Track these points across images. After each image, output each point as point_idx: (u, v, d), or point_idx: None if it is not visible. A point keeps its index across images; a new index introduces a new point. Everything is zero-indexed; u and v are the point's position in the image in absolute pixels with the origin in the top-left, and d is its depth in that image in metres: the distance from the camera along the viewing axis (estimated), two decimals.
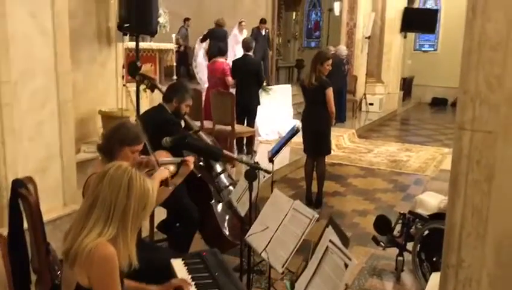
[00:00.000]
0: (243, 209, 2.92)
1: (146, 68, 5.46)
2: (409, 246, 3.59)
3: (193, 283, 2.14)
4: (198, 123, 5.94)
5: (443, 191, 3.63)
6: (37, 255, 2.17)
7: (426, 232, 3.41)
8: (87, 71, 4.76)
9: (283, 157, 6.47)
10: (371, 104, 11.60)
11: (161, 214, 3.55)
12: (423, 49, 15.57)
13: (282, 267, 2.23)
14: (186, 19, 11.61)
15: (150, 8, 4.55)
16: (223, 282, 2.16)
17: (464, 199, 1.51)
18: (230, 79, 6.80)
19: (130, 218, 1.70)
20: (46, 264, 2.18)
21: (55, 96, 3.50)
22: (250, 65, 6.72)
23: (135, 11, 4.43)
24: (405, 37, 12.81)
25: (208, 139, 3.91)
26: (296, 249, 2.21)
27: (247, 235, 2.57)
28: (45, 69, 3.41)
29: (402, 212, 3.74)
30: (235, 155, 5.96)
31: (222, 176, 3.80)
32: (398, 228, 3.75)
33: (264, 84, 7.66)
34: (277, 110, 8.11)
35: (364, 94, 11.55)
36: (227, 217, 3.62)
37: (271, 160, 3.63)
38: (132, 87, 4.98)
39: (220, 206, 3.62)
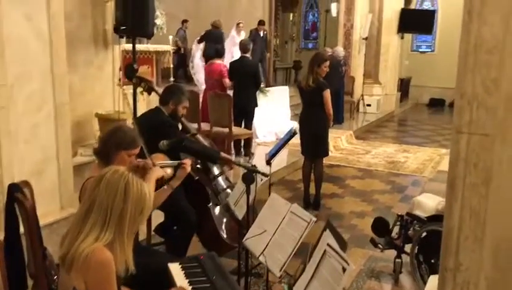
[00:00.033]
0: (240, 212, 2.92)
1: (143, 70, 5.45)
2: (407, 248, 3.58)
3: (190, 287, 2.14)
4: (195, 125, 5.95)
5: (441, 192, 3.62)
6: (34, 259, 2.16)
7: (424, 234, 3.41)
8: (84, 74, 4.75)
9: (281, 159, 6.46)
10: (369, 105, 11.62)
11: (158, 217, 3.54)
12: (420, 50, 15.59)
13: (280, 270, 2.23)
14: (184, 21, 11.61)
15: (146, 10, 4.54)
16: (220, 286, 2.15)
17: (462, 202, 1.51)
18: (227, 81, 6.80)
19: (127, 223, 1.69)
20: (43, 269, 2.17)
21: (52, 99, 3.49)
22: (247, 67, 6.72)
23: (131, 14, 4.42)
24: (402, 38, 12.84)
25: (205, 142, 3.90)
26: (293, 253, 2.21)
27: (244, 239, 2.57)
28: (41, 71, 3.40)
29: (400, 214, 3.74)
30: (233, 157, 5.96)
31: (219, 178, 3.79)
32: (396, 229, 3.75)
33: (262, 85, 7.66)
34: (274, 112, 8.11)
35: (362, 95, 11.57)
36: (224, 220, 3.62)
37: (268, 162, 3.63)
38: (129, 89, 4.97)
39: (217, 209, 3.61)
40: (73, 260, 1.65)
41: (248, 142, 6.86)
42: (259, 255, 2.38)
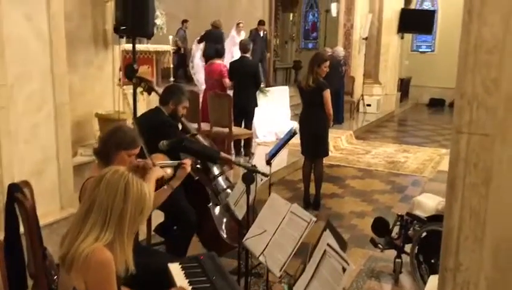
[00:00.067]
0: (240, 212, 2.92)
1: (143, 70, 5.45)
2: (407, 248, 3.58)
3: (190, 287, 2.14)
4: (195, 125, 5.95)
5: (441, 192, 3.62)
6: (34, 259, 2.16)
7: (424, 234, 3.41)
8: (84, 74, 4.75)
9: (281, 159, 6.46)
10: (369, 105, 11.62)
11: (158, 217, 3.54)
12: (420, 50, 15.59)
13: (280, 270, 2.23)
14: (184, 21, 11.61)
15: (146, 10, 4.54)
16: (220, 286, 2.15)
17: (462, 202, 1.51)
18: (227, 81, 6.80)
19: (127, 223, 1.69)
20: (43, 269, 2.17)
21: (52, 99, 3.49)
22: (247, 67, 6.72)
23: (131, 14, 4.42)
24: (402, 38, 12.84)
25: (205, 142, 3.90)
26: (293, 253, 2.21)
27: (244, 239, 2.57)
28: (41, 71, 3.40)
29: (400, 214, 3.74)
30: (233, 157, 5.96)
31: (220, 178, 3.79)
32: (396, 229, 3.75)
33: (262, 85, 7.66)
34: (274, 112, 8.10)
35: (362, 95, 11.57)
36: (224, 220, 3.62)
37: (268, 162, 3.63)
38: (129, 89, 4.97)
39: (217, 209, 3.61)
40: (73, 260, 1.65)
41: (248, 142, 6.86)
42: (259, 255, 2.38)
